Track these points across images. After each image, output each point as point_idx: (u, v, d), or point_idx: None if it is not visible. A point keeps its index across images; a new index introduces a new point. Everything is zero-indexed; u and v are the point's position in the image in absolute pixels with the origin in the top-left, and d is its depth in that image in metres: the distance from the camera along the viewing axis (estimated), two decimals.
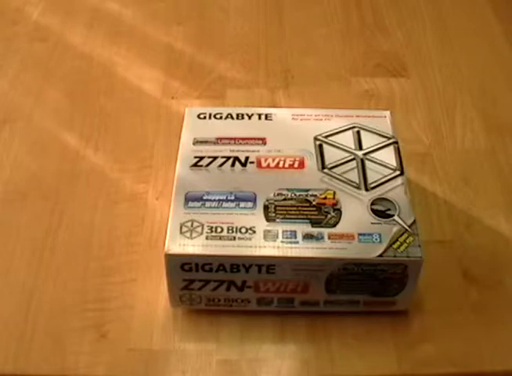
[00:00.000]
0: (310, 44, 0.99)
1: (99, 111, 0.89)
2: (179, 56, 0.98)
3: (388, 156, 0.68)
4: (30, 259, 0.72)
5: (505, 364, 0.63)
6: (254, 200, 0.64)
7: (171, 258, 0.61)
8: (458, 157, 0.81)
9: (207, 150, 0.68)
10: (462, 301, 0.67)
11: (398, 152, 0.69)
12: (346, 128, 0.71)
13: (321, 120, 0.72)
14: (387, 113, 0.73)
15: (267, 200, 0.64)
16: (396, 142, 0.70)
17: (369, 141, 0.69)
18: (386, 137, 0.70)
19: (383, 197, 0.64)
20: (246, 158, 0.67)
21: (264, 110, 0.73)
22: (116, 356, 0.64)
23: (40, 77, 0.94)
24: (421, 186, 0.78)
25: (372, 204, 0.64)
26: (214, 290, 0.63)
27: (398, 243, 0.60)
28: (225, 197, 0.64)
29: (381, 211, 0.63)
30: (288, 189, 0.64)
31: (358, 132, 0.70)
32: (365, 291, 0.63)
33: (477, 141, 0.83)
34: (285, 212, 0.63)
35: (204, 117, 0.72)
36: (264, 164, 0.67)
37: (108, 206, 0.77)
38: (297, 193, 0.64)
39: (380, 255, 0.60)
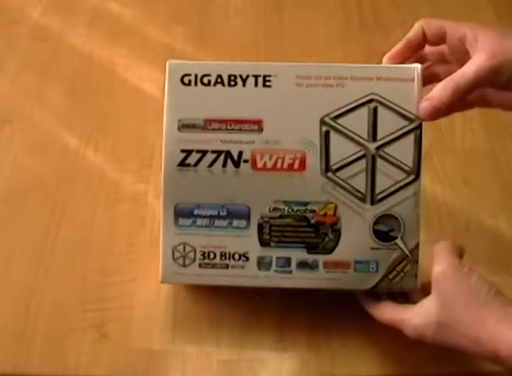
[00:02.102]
0: (310, 44, 0.99)
1: (99, 111, 0.89)
2: (179, 56, 0.97)
3: (405, 151, 0.59)
4: (30, 259, 0.72)
5: None
6: (247, 216, 0.59)
7: (167, 283, 0.63)
8: (458, 157, 0.81)
9: (195, 140, 0.59)
10: None
11: (418, 143, 0.58)
12: (362, 102, 0.59)
13: (332, 86, 0.59)
14: (418, 68, 0.59)
15: (261, 218, 0.59)
16: (419, 127, 0.58)
17: (385, 125, 0.58)
18: (408, 119, 0.58)
19: (388, 213, 0.59)
20: (240, 154, 0.59)
21: (261, 72, 0.59)
22: (116, 356, 0.64)
23: (40, 77, 0.94)
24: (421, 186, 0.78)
25: (375, 223, 0.59)
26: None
27: (394, 272, 0.59)
28: (216, 213, 0.60)
29: (384, 232, 0.59)
30: (285, 202, 0.59)
31: (375, 110, 0.59)
32: None
33: (477, 141, 0.83)
34: (280, 234, 0.60)
35: (189, 83, 0.60)
36: (260, 165, 0.59)
37: (108, 206, 0.77)
38: (295, 208, 0.59)
39: (374, 287, 0.59)
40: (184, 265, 0.61)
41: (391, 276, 0.58)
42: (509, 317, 0.51)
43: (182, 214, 0.60)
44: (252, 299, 0.68)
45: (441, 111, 0.55)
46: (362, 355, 0.64)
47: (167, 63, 0.62)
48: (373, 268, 0.58)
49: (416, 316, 0.55)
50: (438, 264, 0.55)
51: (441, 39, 0.59)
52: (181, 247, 0.61)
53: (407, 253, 0.59)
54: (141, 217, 0.75)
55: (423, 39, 0.60)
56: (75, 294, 0.68)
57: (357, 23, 1.02)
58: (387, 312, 0.58)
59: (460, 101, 0.56)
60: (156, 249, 0.72)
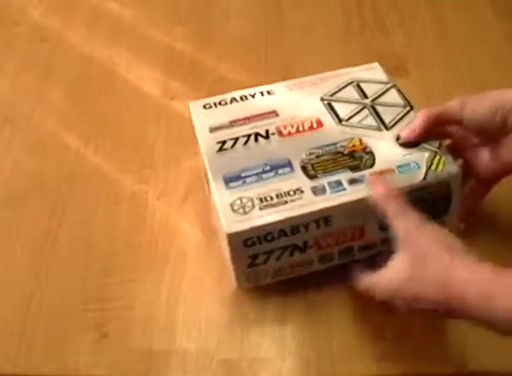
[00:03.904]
0: (310, 44, 0.99)
1: (99, 111, 0.89)
2: (179, 56, 0.98)
3: (394, 97, 0.71)
4: (30, 259, 0.72)
5: (505, 364, 0.63)
6: (289, 165, 0.65)
7: (233, 237, 0.61)
8: None
9: (226, 134, 0.69)
10: None
11: (400, 92, 0.72)
12: (345, 84, 0.74)
13: (318, 84, 0.74)
14: (376, 64, 0.76)
15: (302, 162, 0.65)
16: (395, 85, 0.73)
17: (371, 90, 0.73)
18: (384, 83, 0.73)
19: None
20: (267, 131, 0.69)
21: (264, 88, 0.75)
22: (116, 356, 0.64)
23: (40, 78, 0.94)
24: None
25: (397, 139, 0.66)
26: (278, 259, 0.64)
27: (434, 164, 0.64)
28: (261, 170, 0.65)
29: (408, 143, 0.66)
30: (317, 148, 0.66)
31: (358, 85, 0.73)
32: None
33: None
34: (323, 167, 0.64)
35: (210, 107, 0.73)
36: (285, 132, 0.68)
37: (108, 206, 0.77)
38: (327, 149, 0.66)
39: (424, 178, 0.63)
40: (245, 213, 0.62)
41: (433, 168, 0.64)
42: (479, 268, 0.52)
43: (230, 179, 0.65)
44: (252, 299, 0.68)
45: (415, 133, 0.66)
46: (362, 355, 0.64)
47: (189, 104, 0.73)
48: (414, 166, 0.64)
49: (387, 276, 0.57)
50: (405, 220, 0.58)
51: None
52: (238, 201, 0.63)
53: (436, 150, 0.65)
54: (141, 217, 0.75)
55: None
56: (75, 294, 0.69)
57: (357, 23, 1.03)
58: (364, 279, 0.61)
59: (435, 127, 0.66)
60: (157, 249, 0.72)
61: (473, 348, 0.64)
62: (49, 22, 1.04)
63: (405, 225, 0.58)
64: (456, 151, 0.66)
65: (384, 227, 0.63)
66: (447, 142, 0.68)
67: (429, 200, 0.64)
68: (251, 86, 0.94)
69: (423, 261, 0.55)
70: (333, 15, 1.04)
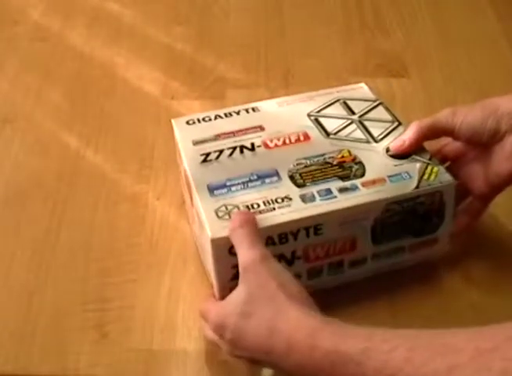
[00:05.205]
0: (310, 44, 0.99)
1: (100, 111, 0.89)
2: (179, 56, 0.98)
3: (381, 113, 0.71)
4: (30, 259, 0.72)
5: None
6: (276, 174, 0.64)
7: (217, 243, 0.58)
8: None
9: (211, 146, 0.67)
10: (462, 302, 0.67)
11: (388, 109, 0.72)
12: (332, 101, 0.73)
13: (305, 101, 0.74)
14: (363, 84, 0.76)
15: (289, 171, 0.64)
16: (382, 103, 0.73)
17: (358, 107, 0.72)
18: (371, 101, 0.73)
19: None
20: (252, 144, 0.67)
21: (249, 105, 0.73)
22: (116, 356, 0.64)
23: (40, 78, 0.94)
24: None
25: (387, 151, 0.66)
26: None
27: (426, 174, 0.63)
28: (248, 179, 0.64)
29: (398, 155, 0.65)
30: (305, 158, 0.65)
31: (345, 102, 0.73)
32: (409, 231, 0.64)
33: None
34: (311, 176, 0.64)
35: (194, 123, 0.71)
36: (271, 145, 0.67)
37: (108, 206, 0.77)
38: (315, 159, 0.65)
39: (417, 187, 0.62)
40: (230, 218, 0.60)
41: (425, 177, 0.63)
42: (312, 314, 0.51)
43: (215, 188, 0.63)
44: None
45: (405, 144, 0.65)
46: None
47: (172, 121, 0.72)
48: (406, 176, 0.63)
49: (221, 306, 0.55)
50: (247, 252, 0.55)
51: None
52: (223, 208, 0.61)
53: (427, 161, 0.65)
54: (141, 217, 0.75)
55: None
56: (75, 294, 0.69)
57: (357, 23, 1.03)
58: (202, 304, 0.60)
59: (427, 139, 0.66)
60: (157, 249, 0.72)
61: None
62: (49, 22, 1.04)
63: (249, 255, 0.55)
64: (452, 171, 0.65)
65: (376, 239, 0.63)
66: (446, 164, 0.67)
67: (421, 213, 0.63)
68: (251, 86, 0.95)
69: (258, 297, 0.52)
70: (333, 15, 1.05)
